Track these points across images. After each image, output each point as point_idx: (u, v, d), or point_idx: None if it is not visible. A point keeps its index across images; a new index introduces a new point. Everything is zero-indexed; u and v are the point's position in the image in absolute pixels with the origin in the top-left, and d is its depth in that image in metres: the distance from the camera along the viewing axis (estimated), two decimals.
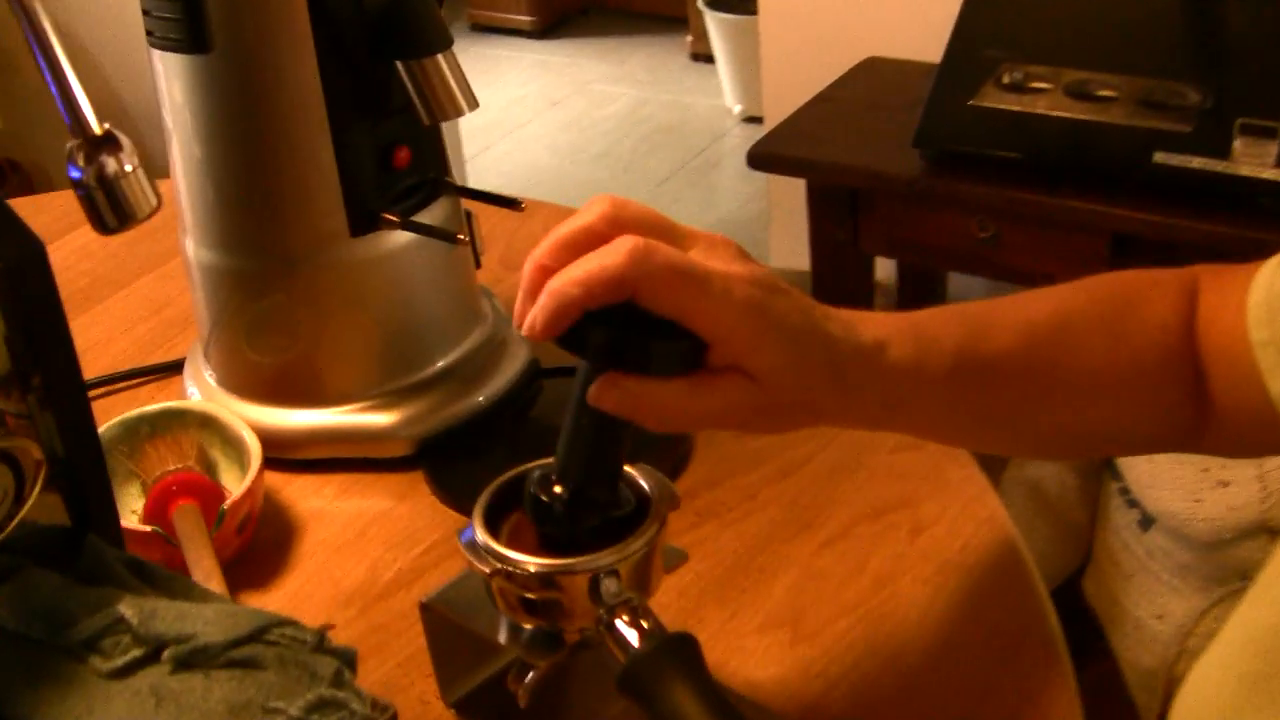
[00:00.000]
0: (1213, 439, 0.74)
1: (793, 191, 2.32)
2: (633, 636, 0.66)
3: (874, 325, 0.68)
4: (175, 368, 1.13)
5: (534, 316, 0.62)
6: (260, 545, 0.95)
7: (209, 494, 0.93)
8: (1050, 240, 1.91)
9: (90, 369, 1.16)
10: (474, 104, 0.93)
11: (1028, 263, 1.95)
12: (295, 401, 1.03)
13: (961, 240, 1.99)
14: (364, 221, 0.97)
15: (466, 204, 1.06)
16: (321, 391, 1.02)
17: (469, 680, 0.80)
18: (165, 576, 0.71)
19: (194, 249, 1.02)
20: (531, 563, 0.68)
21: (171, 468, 0.95)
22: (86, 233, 1.37)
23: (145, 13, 0.93)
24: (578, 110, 4.38)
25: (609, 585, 0.68)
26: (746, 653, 0.83)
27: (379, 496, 1.00)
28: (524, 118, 4.34)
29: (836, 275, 2.16)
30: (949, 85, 1.97)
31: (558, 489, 0.68)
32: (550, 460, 0.69)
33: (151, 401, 1.11)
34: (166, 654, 0.64)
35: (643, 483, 0.72)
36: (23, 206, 1.44)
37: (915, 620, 0.84)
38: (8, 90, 3.42)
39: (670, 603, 0.87)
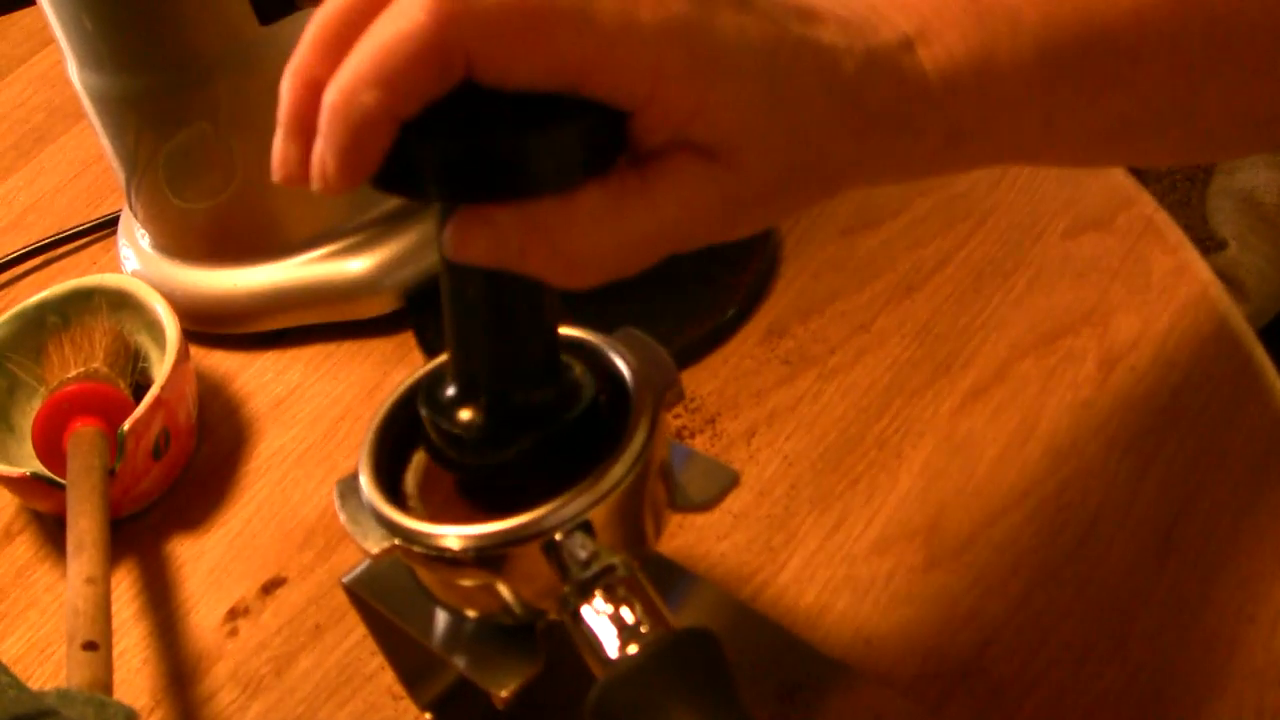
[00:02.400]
0: None
1: None
2: (609, 637, 0.39)
3: (897, 13, 0.40)
4: (114, 224, 0.87)
5: (322, 159, 0.35)
6: (199, 464, 0.70)
7: (116, 407, 0.67)
8: None
9: (34, 230, 0.92)
10: None
11: None
12: (244, 257, 0.76)
13: None
14: (273, 1, 0.69)
15: None
16: (275, 240, 0.75)
17: (441, 676, 0.54)
18: None
19: (79, 74, 0.75)
20: (444, 533, 0.41)
21: (71, 374, 0.69)
22: (45, 59, 1.13)
23: None
24: None
25: (575, 549, 0.41)
26: (859, 588, 0.55)
27: (360, 369, 0.73)
28: None
29: None
30: None
31: (464, 412, 0.41)
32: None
33: (94, 270, 0.87)
34: None
35: (621, 365, 0.44)
36: None
37: (1115, 514, 0.55)
38: None
39: (747, 510, 0.60)
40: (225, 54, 0.70)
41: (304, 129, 0.36)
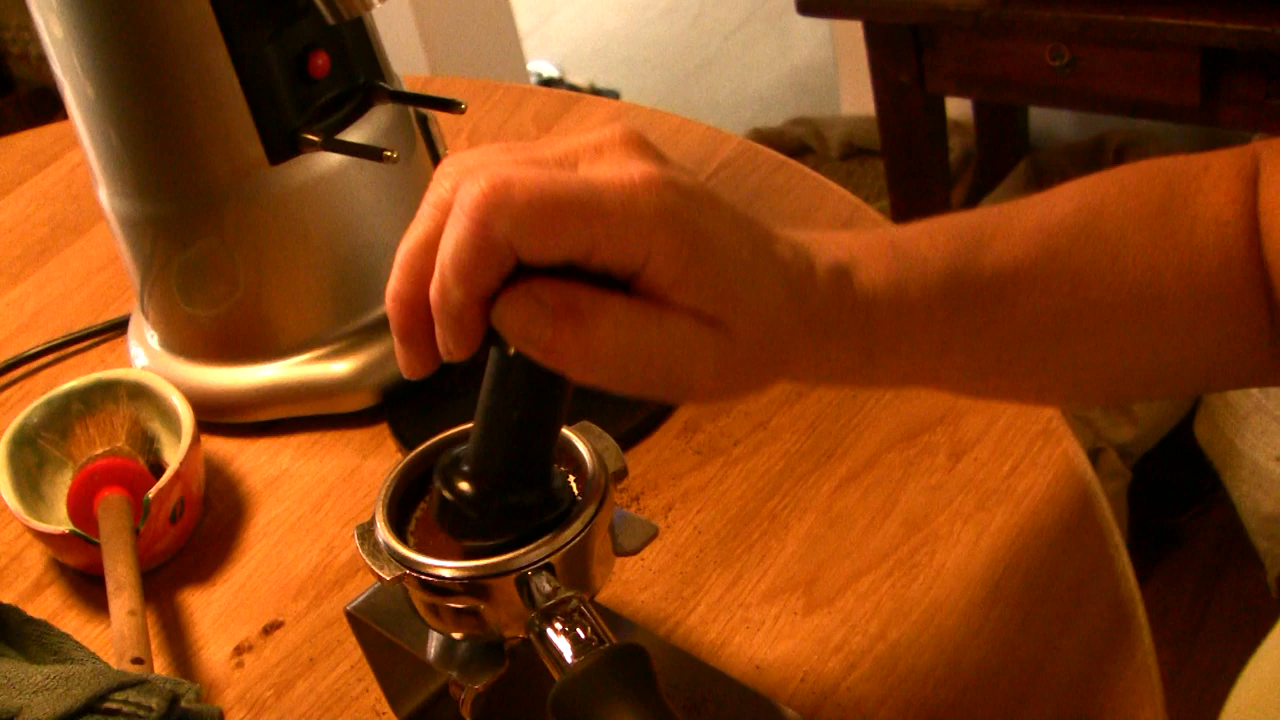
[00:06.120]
0: None
1: (857, 32, 2.12)
2: (566, 650, 0.53)
3: (833, 245, 0.52)
4: (123, 326, 1.00)
5: (443, 341, 0.49)
6: (205, 529, 0.83)
7: (138, 479, 0.81)
8: (1133, 61, 1.71)
9: (44, 331, 1.05)
10: None
11: (1111, 87, 1.74)
12: (242, 358, 0.90)
13: (1036, 71, 1.79)
14: (282, 145, 0.83)
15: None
16: (269, 343, 0.89)
17: (419, 692, 0.68)
18: (19, 622, 0.59)
19: (108, 198, 0.89)
20: (441, 566, 0.55)
21: (98, 451, 0.82)
22: (50, 175, 1.26)
23: None
24: None
25: (541, 584, 0.55)
26: (752, 626, 0.70)
27: (341, 456, 0.87)
28: None
29: (904, 120, 1.97)
30: None
31: (465, 485, 0.54)
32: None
33: (103, 366, 1.00)
34: None
35: (580, 448, 0.58)
36: None
37: (954, 571, 0.70)
38: None
39: (664, 568, 0.74)
40: (237, 185, 0.84)
41: (411, 338, 0.49)
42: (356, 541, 0.57)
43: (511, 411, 0.53)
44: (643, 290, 0.47)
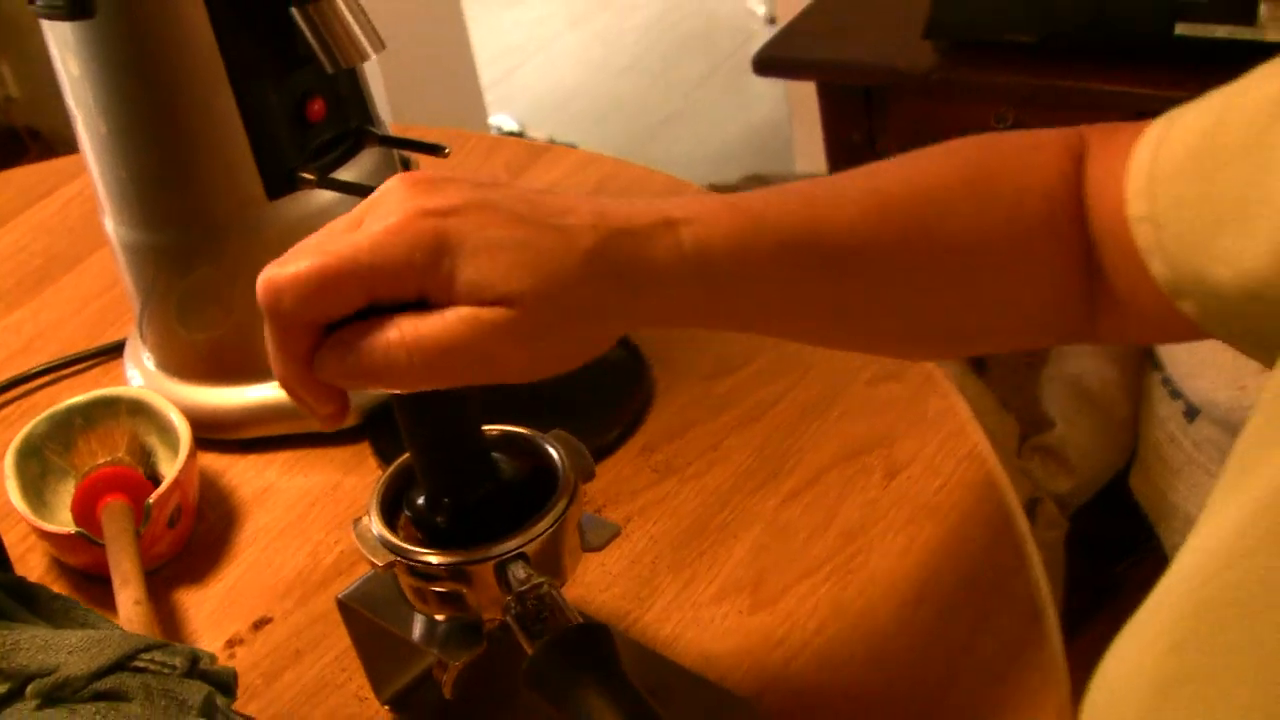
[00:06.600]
0: (1109, 324, 0.66)
1: (811, 92, 2.22)
2: (539, 627, 0.60)
3: (666, 205, 0.58)
4: (118, 349, 1.07)
5: (307, 411, 0.58)
6: (199, 536, 0.90)
7: (138, 488, 0.87)
8: (1074, 123, 1.81)
9: (40, 354, 1.11)
10: (379, 46, 0.85)
11: None
12: (234, 379, 0.97)
13: (980, 132, 1.88)
14: (280, 182, 0.90)
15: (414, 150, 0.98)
16: (260, 366, 0.94)
17: (400, 676, 0.75)
18: (48, 598, 0.66)
19: (114, 227, 0.96)
20: (428, 554, 0.62)
21: (100, 461, 0.89)
22: (45, 208, 1.32)
23: None
24: (602, 23, 4.27)
25: (516, 571, 0.62)
26: (702, 624, 0.77)
27: (325, 472, 0.94)
28: (547, 37, 4.24)
29: None
30: None
31: (421, 501, 0.64)
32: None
33: (98, 387, 1.06)
34: (30, 689, 0.58)
35: (553, 453, 0.65)
36: None
37: (886, 576, 0.77)
38: (25, 56, 3.39)
39: (623, 572, 0.81)
40: (237, 218, 0.91)
41: (301, 402, 0.57)
42: (353, 533, 0.64)
43: (421, 429, 0.62)
44: (440, 304, 0.53)
